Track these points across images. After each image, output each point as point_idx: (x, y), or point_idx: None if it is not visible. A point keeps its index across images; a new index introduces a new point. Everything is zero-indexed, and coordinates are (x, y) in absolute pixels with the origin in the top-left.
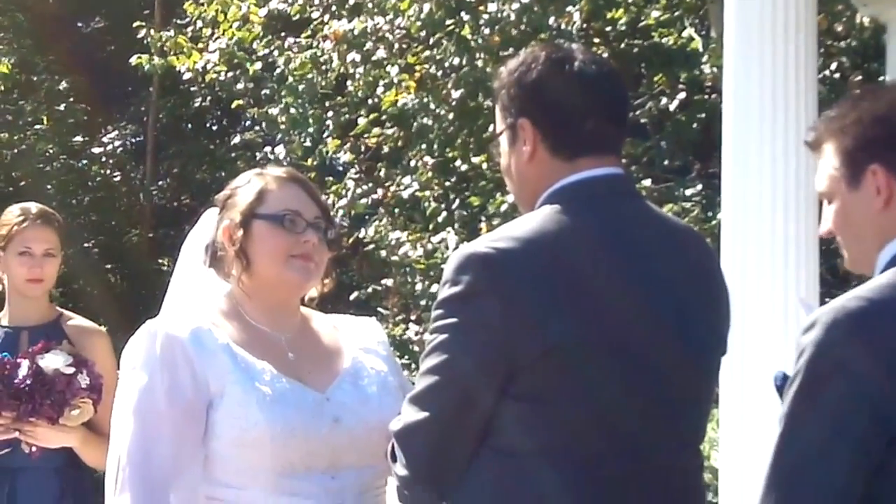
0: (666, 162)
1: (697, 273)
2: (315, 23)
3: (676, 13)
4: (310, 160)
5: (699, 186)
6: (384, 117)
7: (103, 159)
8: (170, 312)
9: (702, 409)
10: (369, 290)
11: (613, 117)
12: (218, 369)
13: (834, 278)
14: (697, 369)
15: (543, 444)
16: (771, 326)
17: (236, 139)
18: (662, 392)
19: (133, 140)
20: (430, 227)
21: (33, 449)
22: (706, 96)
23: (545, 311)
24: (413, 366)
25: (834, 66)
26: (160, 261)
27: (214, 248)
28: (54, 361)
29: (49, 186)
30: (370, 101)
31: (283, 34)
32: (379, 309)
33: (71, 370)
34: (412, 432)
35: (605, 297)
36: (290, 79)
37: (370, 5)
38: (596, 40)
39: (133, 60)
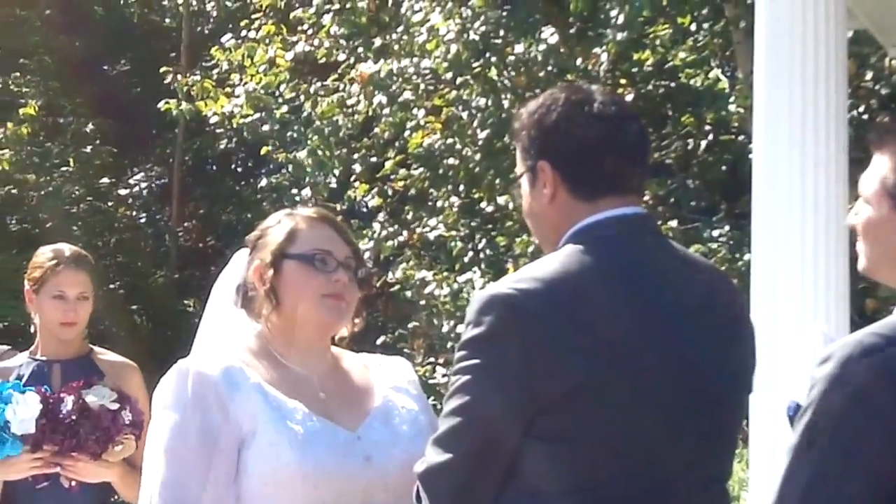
0: (693, 202)
1: (721, 311)
2: (341, 66)
3: (703, 54)
4: (337, 204)
5: (726, 227)
6: (410, 159)
7: (129, 201)
8: (201, 352)
9: (725, 445)
10: (395, 333)
11: (633, 157)
12: (250, 408)
13: (861, 319)
14: (719, 406)
15: (567, 484)
16: (801, 367)
17: (262, 182)
18: (685, 429)
19: (159, 182)
20: (456, 267)
21: (73, 483)
22: (733, 137)
23: (566, 351)
24: (439, 407)
25: (862, 107)
26: (186, 302)
27: (245, 288)
28: (99, 397)
29: (75, 228)
30: (397, 144)
31: (309, 77)
32: (405, 351)
33: (115, 406)
34: (436, 474)
35: (626, 336)
36: (317, 121)
37: (396, 47)
38: (622, 81)
39: (161, 106)
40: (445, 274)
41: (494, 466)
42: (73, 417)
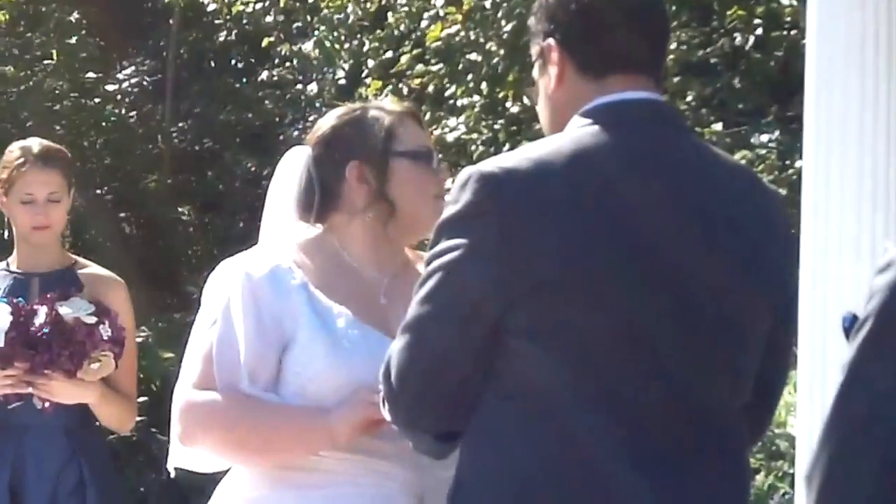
0: (740, 105)
1: (746, 224)
2: None
3: None
4: (346, 102)
5: (776, 132)
6: (427, 54)
7: (118, 98)
8: (251, 251)
9: (745, 342)
10: None
11: (648, 32)
12: (291, 310)
13: None
14: (735, 299)
15: (540, 387)
16: (856, 279)
17: (264, 76)
18: (657, 348)
19: (151, 78)
20: None
21: (46, 404)
22: (785, 32)
23: (540, 240)
24: None
25: None
26: (180, 209)
27: (323, 190)
28: (75, 309)
29: (58, 127)
30: (413, 36)
31: None
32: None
33: (93, 320)
34: (404, 365)
35: (609, 234)
36: (325, 10)
37: None
38: None
39: None
40: None
41: (469, 358)
42: (46, 331)
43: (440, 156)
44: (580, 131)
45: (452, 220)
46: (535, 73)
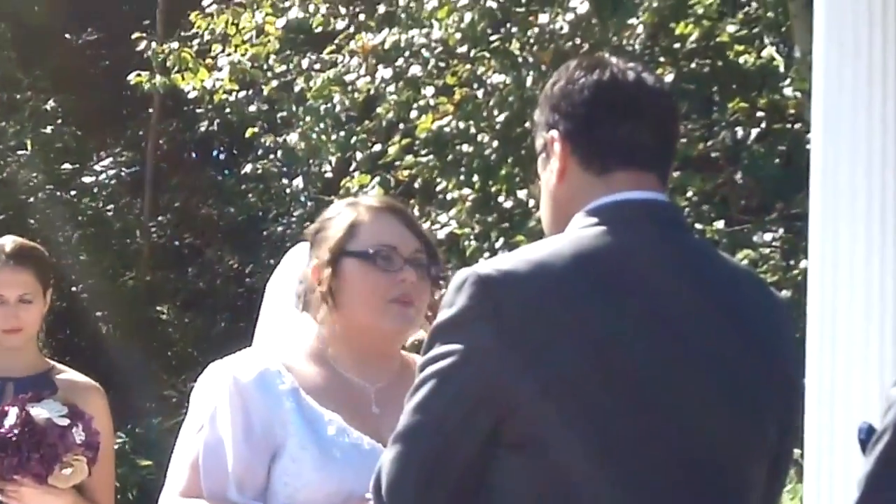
0: (742, 201)
1: (745, 327)
2: (340, 36)
3: (755, 28)
4: (333, 197)
5: (780, 230)
6: (417, 145)
7: (95, 190)
8: (240, 354)
9: (752, 456)
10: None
11: (655, 127)
12: (280, 416)
13: None
14: (742, 413)
15: (554, 498)
16: (865, 386)
17: (247, 168)
18: (686, 438)
19: (129, 169)
20: None
21: None
22: (789, 125)
23: (541, 343)
24: None
25: None
26: (158, 308)
27: (304, 289)
28: (47, 411)
29: (32, 221)
30: (402, 127)
31: (303, 49)
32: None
33: (65, 422)
34: (394, 477)
35: (622, 331)
36: (311, 100)
37: (403, 15)
38: (661, 59)
39: (131, 78)
40: None
41: (456, 471)
42: (16, 432)
43: (415, 255)
44: (582, 232)
45: (447, 324)
46: (539, 166)
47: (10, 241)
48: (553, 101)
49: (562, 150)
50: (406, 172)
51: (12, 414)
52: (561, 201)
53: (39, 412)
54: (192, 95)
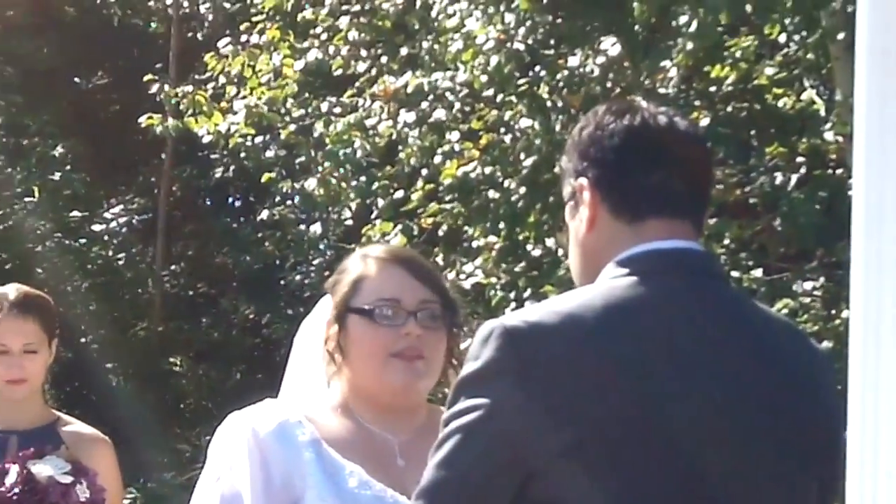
0: (781, 249)
1: (789, 370)
2: (361, 79)
3: (794, 71)
4: (354, 245)
5: (821, 279)
6: (441, 191)
7: (105, 238)
8: (261, 405)
9: None
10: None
11: (689, 174)
12: (300, 468)
13: None
14: (784, 473)
15: None
16: None
17: (264, 215)
18: (737, 493)
19: (141, 216)
20: None
21: None
22: (830, 171)
23: (571, 400)
24: None
25: None
26: (171, 359)
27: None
28: (49, 468)
29: (40, 270)
30: (425, 173)
31: (322, 92)
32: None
33: (68, 479)
34: None
35: (646, 392)
36: (330, 145)
37: (427, 58)
38: (697, 103)
39: (143, 121)
40: None
41: None
42: (17, 491)
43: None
44: (613, 283)
45: (472, 378)
46: (567, 215)
47: (14, 290)
48: (581, 147)
49: (591, 199)
50: (430, 220)
51: (13, 472)
52: (590, 251)
53: (41, 469)
54: (206, 140)
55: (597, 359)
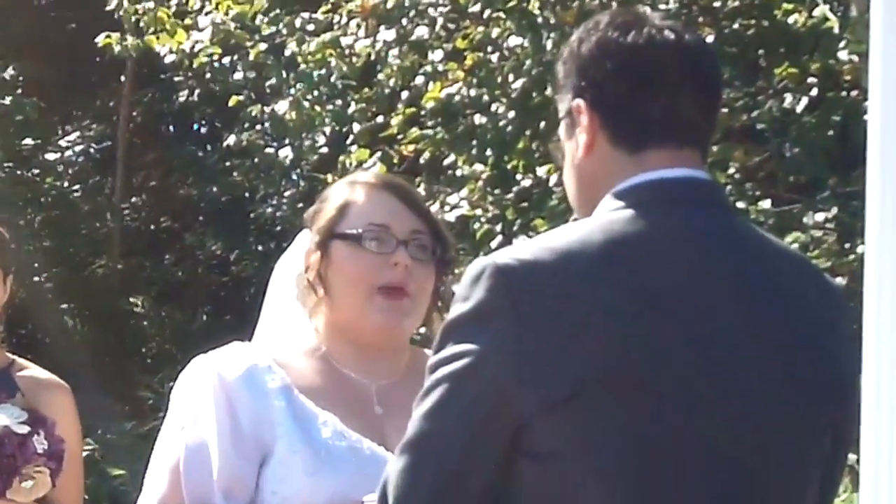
0: (790, 178)
1: (801, 312)
2: None
3: None
4: (329, 174)
5: (833, 210)
6: (423, 116)
7: (60, 168)
8: (227, 348)
9: (802, 468)
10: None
11: (695, 97)
12: (269, 417)
13: None
14: (795, 409)
15: None
16: None
17: (231, 140)
18: (731, 447)
19: (99, 145)
20: (482, 255)
21: None
22: (844, 93)
23: (568, 342)
24: None
25: None
26: (132, 299)
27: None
28: (3, 418)
29: None
30: (406, 95)
31: (295, 8)
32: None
33: (25, 429)
34: (404, 490)
35: (665, 322)
36: (304, 65)
37: None
38: (700, 19)
39: (100, 40)
40: (468, 265)
41: (472, 485)
42: None
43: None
44: (611, 216)
45: (461, 320)
46: (562, 132)
47: None
48: (580, 64)
49: (589, 123)
50: (411, 147)
51: None
52: (587, 177)
53: None
54: (168, 60)
55: (595, 300)
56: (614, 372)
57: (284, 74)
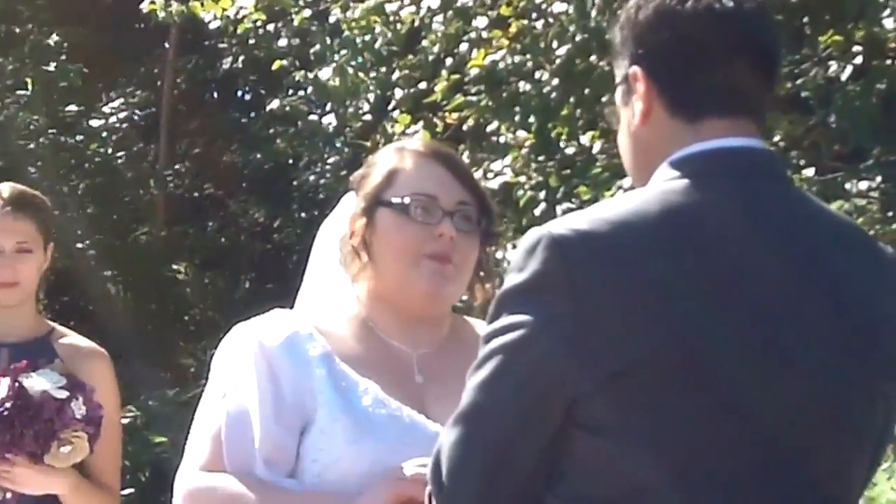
0: (835, 146)
1: (860, 286)
2: None
3: None
4: (371, 139)
5: (878, 178)
6: (467, 83)
7: (104, 135)
8: (268, 315)
9: (863, 432)
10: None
11: (754, 66)
12: (310, 385)
13: None
14: (854, 382)
15: (610, 491)
16: None
17: (274, 105)
18: (779, 427)
19: (143, 111)
20: (524, 222)
21: (8, 495)
22: (889, 61)
23: (627, 316)
24: None
25: None
26: (175, 266)
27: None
28: (42, 382)
29: (33, 169)
30: (450, 62)
31: None
32: None
33: (63, 394)
34: (457, 463)
35: (727, 293)
36: (347, 31)
37: None
38: None
39: (145, 6)
40: (512, 234)
41: (526, 458)
42: (7, 406)
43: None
44: (669, 186)
45: (516, 291)
46: (618, 98)
47: (7, 188)
48: (638, 32)
49: (646, 91)
50: (455, 114)
51: (4, 385)
52: (644, 145)
53: (34, 383)
54: (213, 27)
55: (651, 274)
56: (669, 350)
57: (329, 41)
